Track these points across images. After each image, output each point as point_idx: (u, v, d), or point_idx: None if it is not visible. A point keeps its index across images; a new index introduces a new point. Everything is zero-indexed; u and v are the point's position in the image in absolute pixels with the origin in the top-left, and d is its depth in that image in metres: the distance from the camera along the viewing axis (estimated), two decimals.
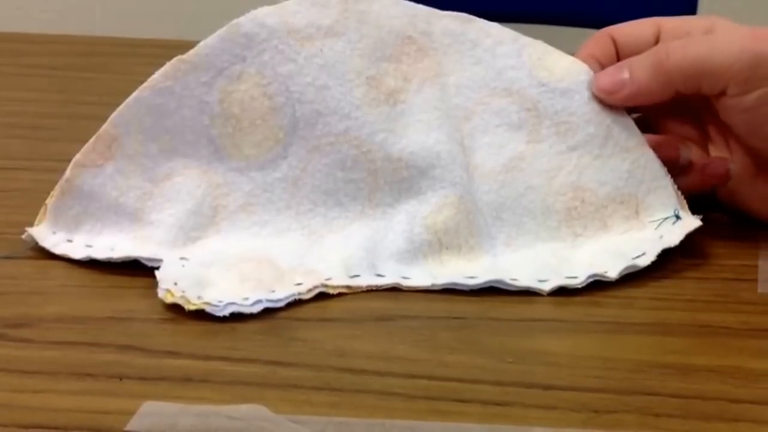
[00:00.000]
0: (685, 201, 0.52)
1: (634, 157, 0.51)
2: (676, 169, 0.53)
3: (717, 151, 0.55)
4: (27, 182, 0.57)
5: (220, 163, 0.51)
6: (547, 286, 0.47)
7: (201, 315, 0.45)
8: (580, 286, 0.48)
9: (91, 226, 0.50)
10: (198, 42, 0.50)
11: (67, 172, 0.50)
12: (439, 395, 0.40)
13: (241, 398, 0.39)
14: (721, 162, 0.53)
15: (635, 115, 0.55)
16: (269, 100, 0.50)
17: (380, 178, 0.51)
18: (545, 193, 0.51)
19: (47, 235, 0.50)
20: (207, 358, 0.42)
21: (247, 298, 0.45)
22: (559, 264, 0.49)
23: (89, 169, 0.50)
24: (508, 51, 0.52)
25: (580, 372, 0.42)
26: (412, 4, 0.52)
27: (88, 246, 0.49)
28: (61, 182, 0.50)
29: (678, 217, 0.51)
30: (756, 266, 0.50)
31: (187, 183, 0.50)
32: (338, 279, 0.48)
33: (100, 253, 0.49)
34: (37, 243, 0.50)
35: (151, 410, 0.38)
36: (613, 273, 0.48)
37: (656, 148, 0.52)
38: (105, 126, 0.50)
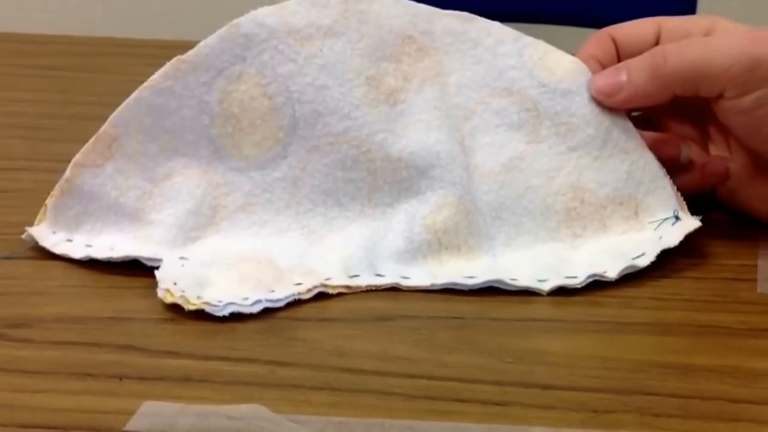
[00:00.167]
0: (684, 202, 0.52)
1: (633, 159, 0.51)
2: (676, 167, 0.53)
3: (717, 150, 0.55)
4: (27, 182, 0.57)
5: (220, 162, 0.51)
6: (546, 286, 0.47)
7: (200, 315, 0.45)
8: (579, 286, 0.48)
9: (91, 225, 0.50)
10: (198, 42, 0.50)
11: (67, 172, 0.50)
12: (439, 395, 0.40)
13: (240, 398, 0.39)
14: (721, 161, 0.53)
15: (636, 114, 0.55)
16: (269, 100, 0.50)
17: (380, 178, 0.51)
18: (545, 193, 0.51)
19: (47, 234, 0.50)
20: (206, 358, 0.42)
21: (246, 298, 0.45)
22: (558, 264, 0.49)
23: (89, 169, 0.50)
24: (509, 50, 0.52)
25: (580, 372, 0.42)
26: (413, 3, 0.52)
27: (88, 246, 0.49)
28: (61, 182, 0.50)
29: (677, 218, 0.51)
30: (755, 266, 0.50)
31: (186, 183, 0.50)
32: (338, 279, 0.48)
33: (100, 252, 0.49)
34: (37, 243, 0.50)
35: (151, 410, 0.38)
36: (612, 273, 0.48)
37: (657, 146, 0.52)
38: (105, 126, 0.50)
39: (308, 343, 0.44)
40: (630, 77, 0.51)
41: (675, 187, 0.52)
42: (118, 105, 0.50)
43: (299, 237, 0.50)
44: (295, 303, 0.46)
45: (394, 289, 0.48)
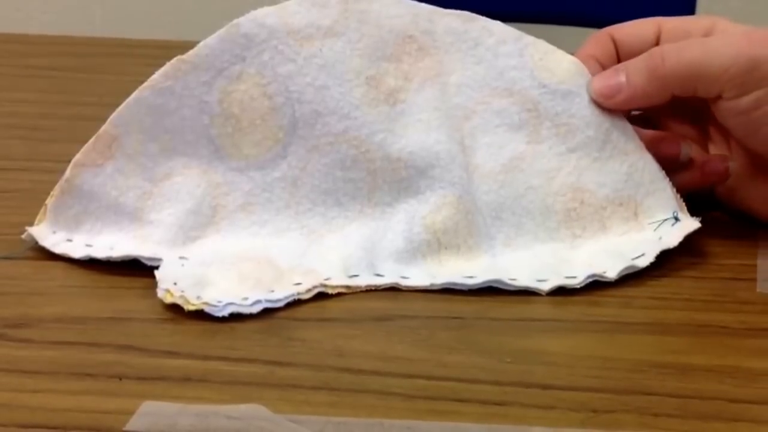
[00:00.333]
0: (683, 203, 0.52)
1: (633, 161, 0.51)
2: (676, 165, 0.53)
3: (717, 150, 0.55)
4: (26, 183, 0.57)
5: (220, 162, 0.51)
6: (546, 286, 0.48)
7: (200, 315, 0.45)
8: (578, 287, 0.48)
9: (90, 225, 0.50)
10: (198, 42, 0.50)
11: (67, 172, 0.50)
12: (438, 395, 0.40)
13: (240, 398, 0.39)
14: (721, 159, 0.54)
15: (636, 113, 0.55)
16: (269, 100, 0.50)
17: (379, 178, 0.51)
18: (545, 193, 0.51)
19: (47, 234, 0.50)
20: (206, 358, 0.42)
21: (246, 298, 0.46)
22: (558, 264, 0.49)
23: (89, 169, 0.50)
24: (510, 50, 0.52)
25: (579, 372, 0.42)
26: (415, 2, 0.52)
27: (88, 245, 0.49)
28: (61, 182, 0.50)
29: (677, 219, 0.51)
30: (754, 265, 0.50)
31: (186, 183, 0.50)
32: (337, 279, 0.48)
33: (100, 252, 0.49)
34: (36, 243, 0.50)
35: (151, 410, 0.38)
36: (612, 273, 0.48)
37: (657, 144, 0.52)
38: (105, 126, 0.50)
39: (307, 343, 0.44)
40: (629, 79, 0.51)
41: (674, 189, 0.52)
42: (117, 105, 0.50)
43: (299, 237, 0.50)
44: (295, 303, 0.46)
45: (393, 289, 0.48)
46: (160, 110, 0.50)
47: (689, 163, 0.53)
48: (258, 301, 0.46)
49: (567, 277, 0.48)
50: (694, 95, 0.50)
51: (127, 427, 0.37)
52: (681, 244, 0.49)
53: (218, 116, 0.50)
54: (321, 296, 0.47)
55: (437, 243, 0.49)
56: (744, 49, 0.49)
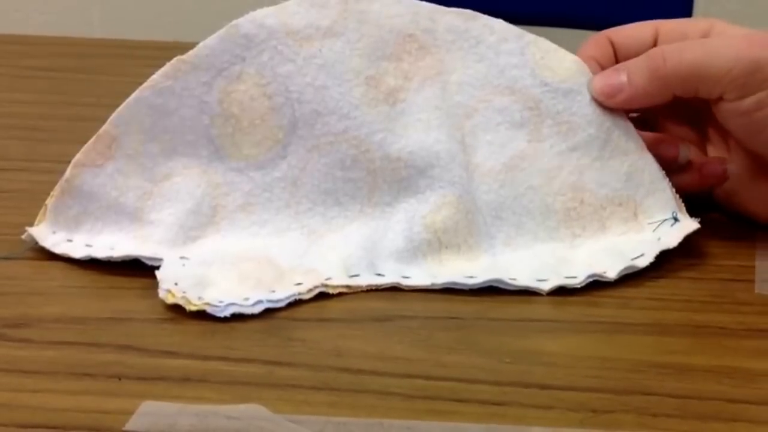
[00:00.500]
0: (683, 204, 0.52)
1: (633, 160, 0.51)
2: (674, 167, 0.53)
3: (716, 151, 0.55)
4: (26, 183, 0.57)
5: (220, 162, 0.51)
6: (546, 286, 0.48)
7: (200, 315, 0.45)
8: (578, 286, 0.48)
9: (91, 225, 0.50)
10: (198, 43, 0.50)
11: (67, 172, 0.50)
12: (437, 395, 0.40)
13: (239, 398, 0.39)
14: (719, 162, 0.54)
15: (634, 115, 0.55)
16: (268, 100, 0.50)
17: (379, 178, 0.51)
18: (545, 193, 0.51)
19: (47, 234, 0.50)
20: (205, 358, 0.42)
21: (247, 298, 0.46)
22: (558, 264, 0.49)
23: (89, 169, 0.50)
24: (511, 49, 0.52)
25: (578, 372, 0.42)
26: (415, 1, 0.52)
27: (88, 245, 0.49)
28: (61, 182, 0.50)
29: (676, 220, 0.51)
30: (753, 266, 0.50)
31: (186, 183, 0.50)
32: (338, 278, 0.48)
33: (100, 252, 0.49)
34: (36, 243, 0.50)
35: (150, 410, 0.38)
36: (611, 273, 0.48)
37: (656, 146, 0.52)
38: (105, 126, 0.50)
39: (307, 343, 0.44)
40: (630, 78, 0.51)
41: (674, 189, 0.52)
42: (116, 106, 0.50)
43: (299, 236, 0.50)
44: (295, 303, 0.46)
45: (392, 290, 0.48)
46: (160, 110, 0.50)
47: (688, 165, 0.53)
48: (259, 301, 0.46)
49: (567, 277, 0.48)
50: (696, 96, 0.50)
51: (127, 427, 0.38)
52: (680, 244, 0.50)
53: (218, 116, 0.50)
54: (321, 296, 0.47)
55: (438, 242, 0.49)
56: (745, 51, 0.49)
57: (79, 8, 1.55)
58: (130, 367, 0.41)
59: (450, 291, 0.48)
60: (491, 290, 0.48)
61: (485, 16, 0.52)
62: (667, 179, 0.52)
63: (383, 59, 0.51)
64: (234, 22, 0.51)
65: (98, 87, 0.73)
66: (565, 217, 0.51)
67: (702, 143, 0.55)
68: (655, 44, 0.54)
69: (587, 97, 0.51)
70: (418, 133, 0.51)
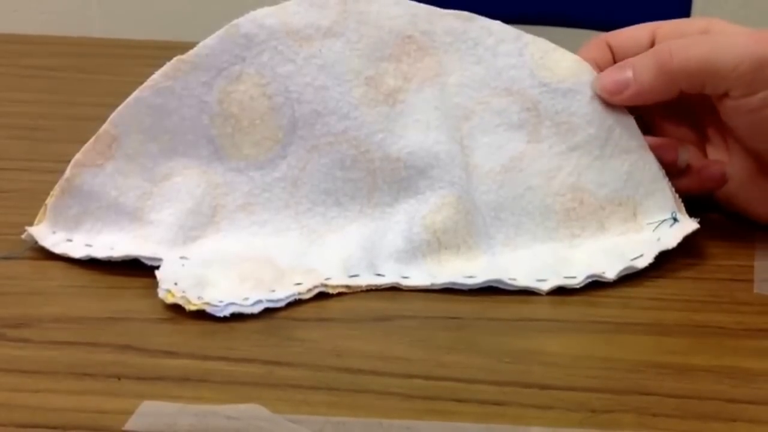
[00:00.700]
0: (682, 204, 0.52)
1: (634, 159, 0.51)
2: (673, 171, 0.53)
3: (715, 153, 0.55)
4: (25, 183, 0.57)
5: (220, 162, 0.51)
6: (545, 286, 0.48)
7: (199, 315, 0.45)
8: (578, 287, 0.48)
9: (91, 225, 0.50)
10: (198, 43, 0.50)
11: (67, 172, 0.50)
12: (437, 395, 0.40)
13: (239, 398, 0.39)
14: (718, 165, 0.53)
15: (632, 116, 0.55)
16: (268, 100, 0.50)
17: (379, 178, 0.51)
18: (544, 193, 0.51)
19: (47, 234, 0.50)
20: (205, 357, 0.42)
21: (247, 298, 0.46)
22: (557, 264, 0.49)
23: (89, 169, 0.50)
24: (509, 50, 0.52)
25: (578, 372, 0.42)
26: (414, 3, 0.52)
27: (88, 245, 0.49)
28: (61, 182, 0.50)
29: (675, 220, 0.51)
30: (752, 266, 0.50)
31: (186, 183, 0.50)
32: (338, 278, 0.48)
33: (100, 252, 0.49)
34: (36, 243, 0.50)
35: (150, 410, 0.38)
36: (611, 274, 0.48)
37: (654, 150, 0.52)
38: (105, 125, 0.50)
39: (306, 343, 0.44)
40: (636, 74, 0.50)
41: (673, 189, 0.52)
42: (116, 106, 0.50)
43: (299, 236, 0.50)
44: (294, 303, 0.46)
45: (392, 290, 0.48)
46: (160, 110, 0.50)
47: (687, 169, 0.53)
48: (259, 301, 0.46)
49: (566, 277, 0.48)
50: (701, 92, 0.50)
51: (126, 426, 0.38)
52: (679, 244, 0.50)
53: (218, 116, 0.51)
54: (320, 296, 0.47)
55: (437, 243, 0.50)
56: (751, 48, 0.48)
57: (79, 8, 1.55)
58: (129, 367, 0.41)
59: (449, 291, 0.48)
60: (491, 290, 0.48)
61: (483, 18, 0.52)
62: (667, 179, 0.52)
63: (383, 60, 0.51)
64: (234, 21, 0.51)
65: (98, 86, 0.73)
66: (564, 217, 0.51)
67: (701, 144, 0.55)
68: (652, 46, 0.54)
69: (587, 97, 0.51)
70: (417, 133, 0.51)
